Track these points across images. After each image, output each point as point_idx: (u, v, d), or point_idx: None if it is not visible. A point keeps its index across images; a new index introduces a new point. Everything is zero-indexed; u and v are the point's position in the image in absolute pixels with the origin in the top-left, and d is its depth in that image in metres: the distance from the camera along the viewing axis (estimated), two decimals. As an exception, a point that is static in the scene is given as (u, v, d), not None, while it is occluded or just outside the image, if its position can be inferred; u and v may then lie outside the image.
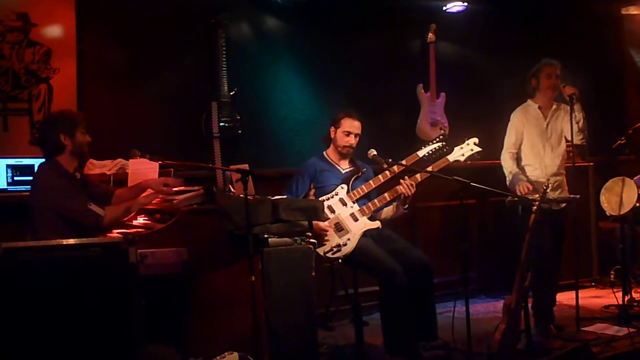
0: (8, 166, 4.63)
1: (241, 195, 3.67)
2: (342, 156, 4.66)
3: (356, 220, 4.43)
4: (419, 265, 4.35)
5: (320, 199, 4.43)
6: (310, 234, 4.00)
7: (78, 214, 3.77)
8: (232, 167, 4.43)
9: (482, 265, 6.39)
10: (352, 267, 4.46)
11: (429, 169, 4.49)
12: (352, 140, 4.59)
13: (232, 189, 4.52)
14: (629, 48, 7.60)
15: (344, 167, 4.67)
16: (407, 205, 4.49)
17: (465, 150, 4.62)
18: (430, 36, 6.45)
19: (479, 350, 4.23)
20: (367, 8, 6.24)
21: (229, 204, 3.77)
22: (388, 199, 4.47)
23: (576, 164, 5.23)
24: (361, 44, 6.30)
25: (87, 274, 3.08)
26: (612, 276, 6.17)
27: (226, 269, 3.84)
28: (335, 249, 4.33)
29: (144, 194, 4.12)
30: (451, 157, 4.59)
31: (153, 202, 4.10)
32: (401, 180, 4.41)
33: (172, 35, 5.56)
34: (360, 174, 4.62)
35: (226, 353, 3.58)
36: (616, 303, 5.20)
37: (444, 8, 6.57)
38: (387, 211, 4.60)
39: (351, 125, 4.58)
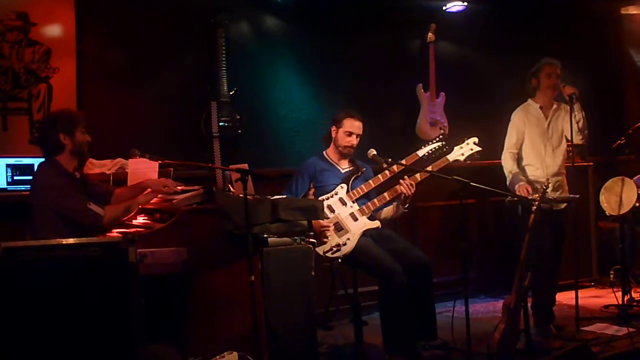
0: (8, 166, 4.64)
1: (241, 195, 3.68)
2: (342, 156, 4.66)
3: (356, 219, 4.43)
4: (419, 265, 4.35)
5: (319, 198, 4.43)
6: (312, 233, 4.01)
7: (78, 213, 3.77)
8: (231, 166, 4.44)
9: (482, 265, 6.40)
10: (352, 266, 4.46)
11: (429, 168, 4.49)
12: (354, 141, 4.59)
13: (232, 189, 4.52)
14: (628, 48, 7.60)
15: (344, 166, 4.67)
16: (407, 205, 4.49)
17: (465, 149, 4.62)
18: (430, 36, 6.45)
19: (479, 350, 4.23)
20: (367, 8, 6.24)
21: (228, 204, 3.77)
22: (388, 198, 4.47)
23: (576, 164, 5.23)
24: (361, 43, 6.30)
25: (87, 273, 3.08)
26: (611, 276, 6.17)
27: (226, 269, 3.84)
28: (334, 249, 4.33)
29: (143, 194, 4.12)
30: (451, 157, 4.59)
31: (153, 201, 4.11)
32: (401, 181, 4.41)
33: (172, 35, 5.55)
34: (360, 173, 4.62)
35: (226, 353, 3.58)
36: (616, 303, 5.20)
37: (444, 8, 6.57)
38: (387, 211, 4.60)
39: (352, 126, 4.57)
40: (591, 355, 3.93)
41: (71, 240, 3.19)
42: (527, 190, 4.72)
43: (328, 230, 4.32)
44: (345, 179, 4.56)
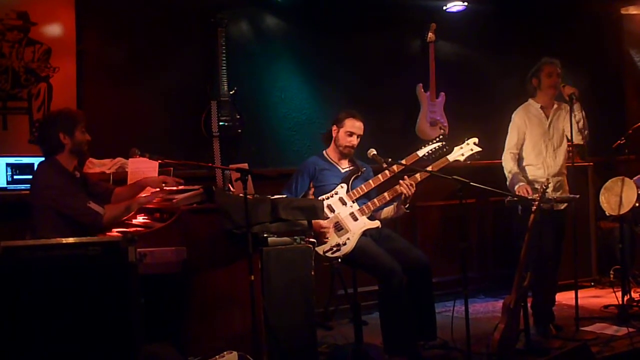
0: (8, 165, 4.64)
1: (240, 195, 3.68)
2: (343, 156, 4.66)
3: (356, 219, 4.43)
4: (419, 265, 4.35)
5: (319, 198, 4.43)
6: (312, 233, 4.01)
7: (77, 212, 3.77)
8: (231, 166, 4.44)
9: (482, 265, 6.40)
10: (352, 266, 4.46)
11: (429, 168, 4.49)
12: (354, 141, 4.59)
13: (232, 188, 4.53)
14: (628, 48, 7.60)
15: (344, 166, 4.67)
16: (407, 205, 4.49)
17: (465, 150, 4.62)
18: (430, 36, 6.45)
19: (478, 350, 4.24)
20: (367, 8, 6.24)
21: (228, 203, 3.77)
22: (388, 198, 4.47)
23: (576, 164, 5.23)
24: (361, 43, 6.30)
25: (87, 272, 3.08)
26: (611, 276, 6.17)
27: (225, 268, 3.84)
28: (334, 248, 4.33)
29: (143, 193, 4.12)
30: (451, 157, 4.58)
31: (153, 201, 4.10)
32: (401, 181, 4.41)
33: (172, 35, 5.55)
34: (360, 173, 4.62)
35: (225, 352, 3.58)
36: (615, 303, 5.19)
37: (444, 8, 6.57)
38: (387, 211, 4.60)
39: (353, 126, 4.57)
40: (591, 355, 3.92)
41: (71, 240, 3.20)
42: (527, 191, 4.73)
43: (327, 231, 4.32)
44: (345, 179, 4.56)
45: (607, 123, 6.65)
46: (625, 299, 5.22)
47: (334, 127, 4.64)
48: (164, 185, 4.09)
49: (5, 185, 4.62)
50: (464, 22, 6.68)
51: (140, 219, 4.29)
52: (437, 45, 6.50)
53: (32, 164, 4.57)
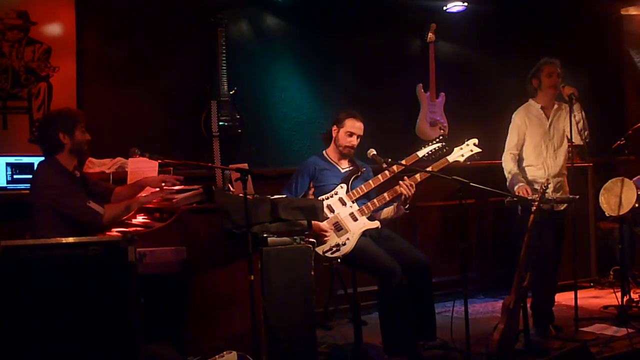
0: (8, 164, 4.64)
1: (240, 195, 3.68)
2: (343, 156, 4.66)
3: (355, 219, 4.43)
4: (418, 265, 4.35)
5: (319, 198, 4.43)
6: (308, 232, 4.01)
7: (77, 212, 3.78)
8: (231, 166, 4.44)
9: (481, 265, 6.41)
10: (351, 266, 4.46)
11: (429, 169, 4.49)
12: (354, 141, 4.59)
13: (232, 188, 4.53)
14: (628, 49, 7.60)
15: (344, 166, 4.67)
16: (407, 206, 4.49)
17: (465, 151, 4.62)
18: (430, 36, 6.45)
19: (478, 350, 4.24)
20: (367, 8, 6.24)
21: (228, 203, 3.77)
22: (387, 199, 4.47)
23: (575, 165, 5.23)
24: (361, 43, 6.30)
25: (87, 272, 3.09)
26: (611, 276, 6.17)
27: (225, 268, 3.84)
28: (334, 249, 4.33)
29: (143, 192, 4.12)
30: (451, 158, 4.58)
31: (153, 201, 4.10)
32: (400, 182, 4.41)
33: (172, 34, 5.55)
34: (359, 173, 4.62)
35: (225, 352, 3.58)
36: (615, 303, 5.20)
37: (444, 8, 6.58)
38: (387, 211, 4.60)
39: (354, 126, 4.57)
40: (590, 355, 3.93)
41: (71, 239, 3.20)
42: (527, 191, 4.72)
43: (326, 235, 4.32)
44: (345, 179, 4.56)
45: (607, 123, 6.65)
46: (625, 299, 5.23)
47: (334, 127, 4.64)
48: (163, 185, 4.09)
49: (5, 185, 4.62)
50: (464, 23, 6.68)
51: (140, 219, 4.29)
52: (437, 46, 6.50)
53: (32, 164, 4.57)
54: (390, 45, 6.51)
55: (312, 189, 4.60)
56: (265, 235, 3.81)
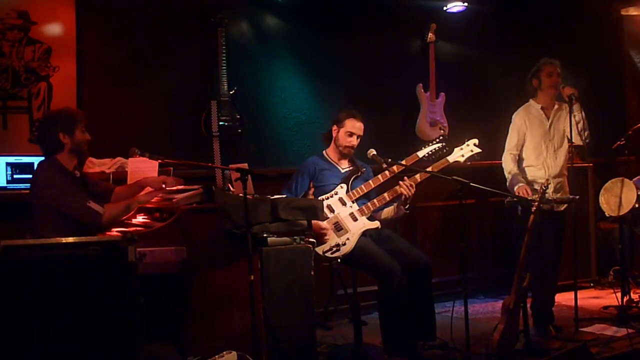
0: (8, 164, 4.64)
1: (240, 194, 3.67)
2: (343, 156, 4.66)
3: (355, 220, 4.43)
4: (418, 265, 4.35)
5: (319, 198, 4.43)
6: (308, 232, 4.01)
7: (77, 212, 3.78)
8: (231, 166, 4.44)
9: (481, 265, 6.41)
10: (351, 266, 4.46)
11: (429, 169, 4.49)
12: (354, 141, 4.59)
13: (232, 188, 4.53)
14: (628, 49, 7.60)
15: (344, 166, 4.67)
16: (407, 206, 4.49)
17: (465, 151, 4.62)
18: (430, 36, 6.45)
19: (478, 350, 4.24)
20: (367, 8, 6.24)
21: (228, 203, 3.77)
22: (387, 199, 4.47)
23: (575, 165, 5.22)
24: (361, 43, 6.30)
25: (86, 272, 3.08)
26: (611, 277, 6.16)
27: (225, 268, 3.84)
28: (334, 249, 4.33)
29: (143, 192, 4.12)
30: (451, 158, 4.58)
31: (152, 200, 4.11)
32: (400, 182, 4.41)
33: (172, 34, 5.55)
34: (359, 173, 4.62)
35: (225, 352, 3.58)
36: (615, 304, 5.20)
37: (444, 8, 6.58)
38: (388, 212, 4.60)
39: (354, 126, 4.57)
40: (590, 356, 3.93)
41: (71, 239, 3.20)
42: (527, 191, 4.72)
43: (326, 233, 4.32)
44: (345, 179, 4.56)
45: (607, 124, 6.65)
46: (625, 299, 5.22)
47: (334, 127, 4.64)
48: (163, 185, 4.09)
49: (5, 185, 4.62)
50: (464, 23, 6.68)
51: (140, 219, 4.29)
52: (437, 46, 6.51)
53: (32, 164, 4.57)
54: (390, 45, 6.51)
55: (312, 189, 4.60)
56: (265, 235, 3.81)
